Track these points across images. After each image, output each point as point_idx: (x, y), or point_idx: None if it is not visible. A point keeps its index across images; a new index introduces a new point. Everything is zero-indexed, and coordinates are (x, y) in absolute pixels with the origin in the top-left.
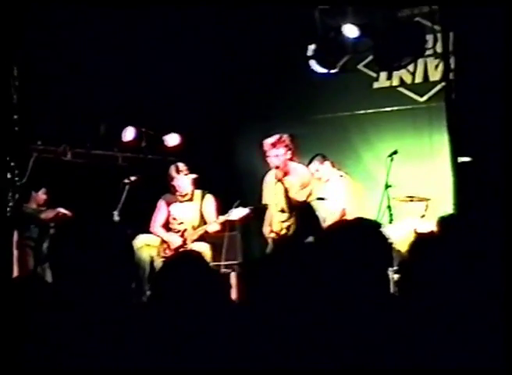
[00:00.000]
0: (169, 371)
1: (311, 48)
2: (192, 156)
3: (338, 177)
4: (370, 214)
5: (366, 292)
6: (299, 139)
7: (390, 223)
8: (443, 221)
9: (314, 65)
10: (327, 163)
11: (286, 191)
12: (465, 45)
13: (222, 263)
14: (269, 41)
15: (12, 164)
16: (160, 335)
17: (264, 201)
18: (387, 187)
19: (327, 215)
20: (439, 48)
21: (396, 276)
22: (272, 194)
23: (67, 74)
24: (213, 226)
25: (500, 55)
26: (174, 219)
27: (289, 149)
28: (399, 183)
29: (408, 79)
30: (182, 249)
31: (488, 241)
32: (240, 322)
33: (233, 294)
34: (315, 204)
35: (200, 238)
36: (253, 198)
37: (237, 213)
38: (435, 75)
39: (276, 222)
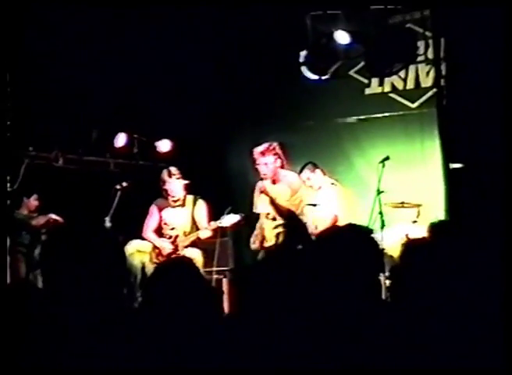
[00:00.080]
0: None
1: (303, 54)
2: (184, 162)
3: (329, 185)
4: (362, 220)
5: (358, 298)
6: (290, 145)
7: (382, 228)
8: (435, 227)
9: (306, 71)
10: (318, 171)
11: (273, 200)
12: (456, 51)
13: (214, 269)
14: (261, 48)
15: (4, 170)
16: (151, 341)
17: (255, 209)
18: (379, 193)
19: (319, 221)
20: (430, 55)
21: (387, 282)
22: (264, 203)
23: (59, 80)
24: (205, 233)
25: (491, 61)
26: (166, 224)
27: (279, 157)
28: (390, 189)
29: (400, 85)
30: (174, 255)
31: (480, 247)
32: (231, 328)
33: (225, 300)
34: (306, 210)
35: (192, 244)
36: (244, 205)
37: (228, 220)
38: (426, 81)
39: (269, 230)
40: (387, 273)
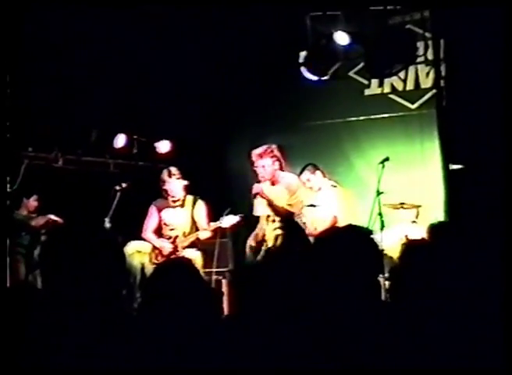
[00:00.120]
0: None
1: (303, 55)
2: (183, 163)
3: (329, 187)
4: (361, 221)
5: (357, 299)
6: (290, 146)
7: (381, 229)
8: (434, 228)
9: (306, 72)
10: (318, 173)
11: (270, 202)
12: (456, 52)
13: (214, 270)
14: (260, 48)
15: (4, 170)
16: (151, 341)
17: (255, 212)
18: (378, 193)
19: (318, 222)
20: (430, 55)
21: (387, 283)
22: (263, 205)
23: (59, 81)
24: (204, 233)
25: (491, 62)
26: (165, 224)
27: (277, 160)
28: (390, 190)
29: (399, 86)
30: (173, 256)
31: (479, 248)
32: (230, 329)
33: (224, 301)
34: (306, 211)
35: (192, 245)
36: (243, 206)
37: (228, 221)
38: (426, 82)
39: (269, 231)
40: (386, 274)
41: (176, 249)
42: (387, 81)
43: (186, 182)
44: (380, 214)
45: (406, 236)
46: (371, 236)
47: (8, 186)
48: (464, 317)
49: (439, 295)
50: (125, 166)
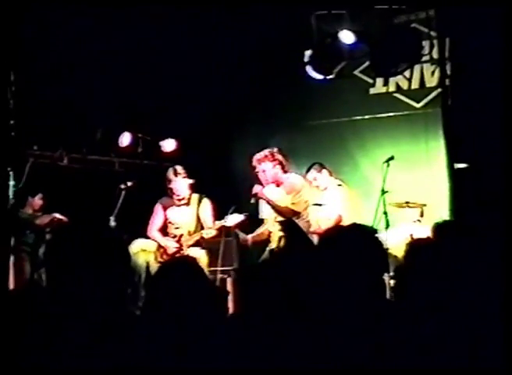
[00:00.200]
0: None
1: (308, 54)
2: (188, 162)
3: (335, 186)
4: (366, 220)
5: (362, 298)
6: (295, 145)
7: (386, 228)
8: (439, 227)
9: (311, 71)
10: (324, 172)
11: (270, 202)
12: (461, 51)
13: (219, 269)
14: (266, 47)
15: (9, 169)
16: (155, 340)
17: (261, 215)
18: (383, 192)
19: (322, 221)
20: (435, 54)
21: (392, 282)
22: (267, 207)
23: (64, 79)
24: (209, 232)
25: (496, 61)
26: (170, 223)
27: (279, 163)
28: (395, 189)
29: (405, 85)
30: (178, 255)
31: (484, 247)
32: (235, 328)
33: (229, 300)
34: (311, 210)
35: (196, 244)
36: (248, 204)
37: (232, 219)
38: (431, 81)
39: (274, 232)
40: (391, 273)
41: (180, 248)
42: (392, 80)
43: (191, 180)
44: (385, 213)
45: (411, 235)
46: (376, 235)
47: (13, 184)
48: (468, 316)
49: (443, 294)
50: (130, 164)
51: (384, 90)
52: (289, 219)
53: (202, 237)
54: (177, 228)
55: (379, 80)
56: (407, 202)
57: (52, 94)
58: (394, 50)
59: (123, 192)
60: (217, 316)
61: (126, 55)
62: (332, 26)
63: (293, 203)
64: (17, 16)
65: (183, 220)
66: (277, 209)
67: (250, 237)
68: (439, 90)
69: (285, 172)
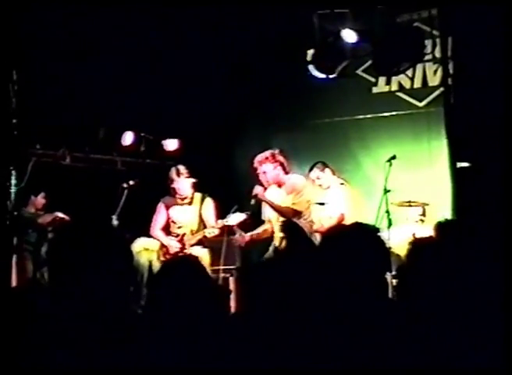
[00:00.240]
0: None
1: (310, 53)
2: (191, 161)
3: (338, 185)
4: (368, 219)
5: (364, 297)
6: (298, 144)
7: (389, 227)
8: (441, 226)
9: (313, 70)
10: (327, 171)
11: (270, 203)
12: (464, 50)
13: (221, 268)
14: (268, 46)
15: (11, 168)
16: (157, 339)
17: (264, 216)
18: (386, 191)
19: (324, 220)
20: (437, 53)
21: (394, 281)
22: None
23: (66, 78)
24: (211, 231)
25: (499, 60)
26: (173, 222)
27: (280, 164)
28: (397, 188)
29: (407, 84)
30: (181, 254)
31: (487, 246)
32: (237, 327)
33: (232, 299)
34: (313, 209)
35: (199, 243)
36: (250, 203)
37: (235, 218)
38: (433, 80)
39: (277, 232)
40: (394, 272)
41: (183, 247)
42: (395, 79)
43: (194, 180)
44: (387, 212)
45: (413, 234)
46: (378, 234)
47: (15, 183)
48: (470, 316)
49: (446, 293)
50: (132, 163)
51: (386, 89)
52: (290, 220)
53: (205, 236)
54: (180, 227)
55: (382, 79)
56: (409, 201)
57: (55, 93)
58: (396, 49)
59: (126, 191)
60: (219, 314)
61: (129, 54)
62: (335, 25)
63: (294, 203)
64: (18, 14)
65: (186, 219)
66: (278, 210)
67: (248, 235)
68: (442, 89)
69: (286, 173)
